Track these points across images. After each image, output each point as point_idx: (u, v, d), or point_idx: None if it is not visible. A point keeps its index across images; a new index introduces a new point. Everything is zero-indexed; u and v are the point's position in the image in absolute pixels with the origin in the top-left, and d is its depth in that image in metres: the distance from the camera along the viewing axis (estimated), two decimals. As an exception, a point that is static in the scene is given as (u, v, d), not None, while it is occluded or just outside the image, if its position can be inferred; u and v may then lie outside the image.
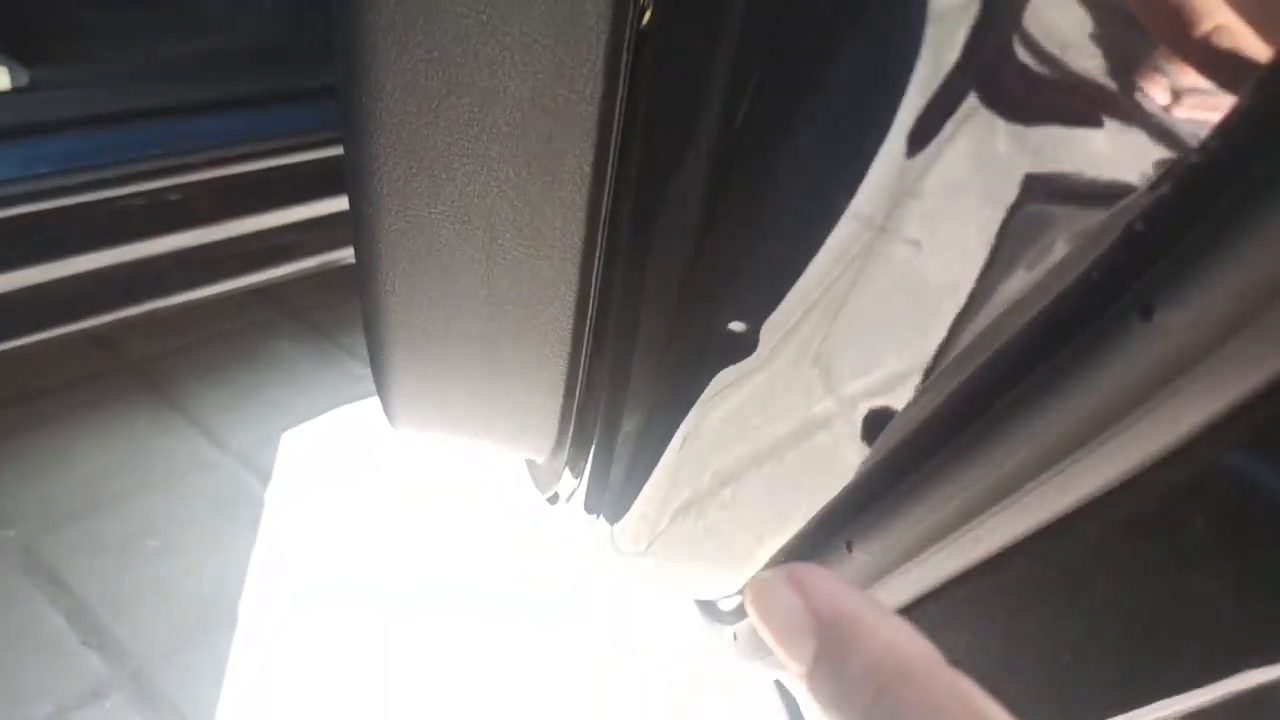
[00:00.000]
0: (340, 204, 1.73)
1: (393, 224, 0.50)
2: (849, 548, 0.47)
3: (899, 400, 0.46)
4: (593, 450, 0.66)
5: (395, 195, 0.49)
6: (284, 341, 2.11)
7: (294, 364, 2.05)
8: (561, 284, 0.52)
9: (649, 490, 0.65)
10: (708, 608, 0.74)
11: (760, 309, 0.51)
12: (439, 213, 0.49)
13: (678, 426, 0.61)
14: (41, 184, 1.42)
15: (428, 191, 0.48)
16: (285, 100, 1.72)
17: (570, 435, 0.66)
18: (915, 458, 0.45)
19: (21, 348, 1.51)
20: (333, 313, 2.22)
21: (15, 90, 1.47)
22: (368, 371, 1.91)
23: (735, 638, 0.63)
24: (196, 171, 1.55)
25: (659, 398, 0.60)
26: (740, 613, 0.63)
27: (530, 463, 0.80)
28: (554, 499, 0.75)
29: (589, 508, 0.72)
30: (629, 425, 0.64)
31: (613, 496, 0.70)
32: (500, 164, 0.47)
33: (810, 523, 0.49)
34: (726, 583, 0.65)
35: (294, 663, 1.43)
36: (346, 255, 1.79)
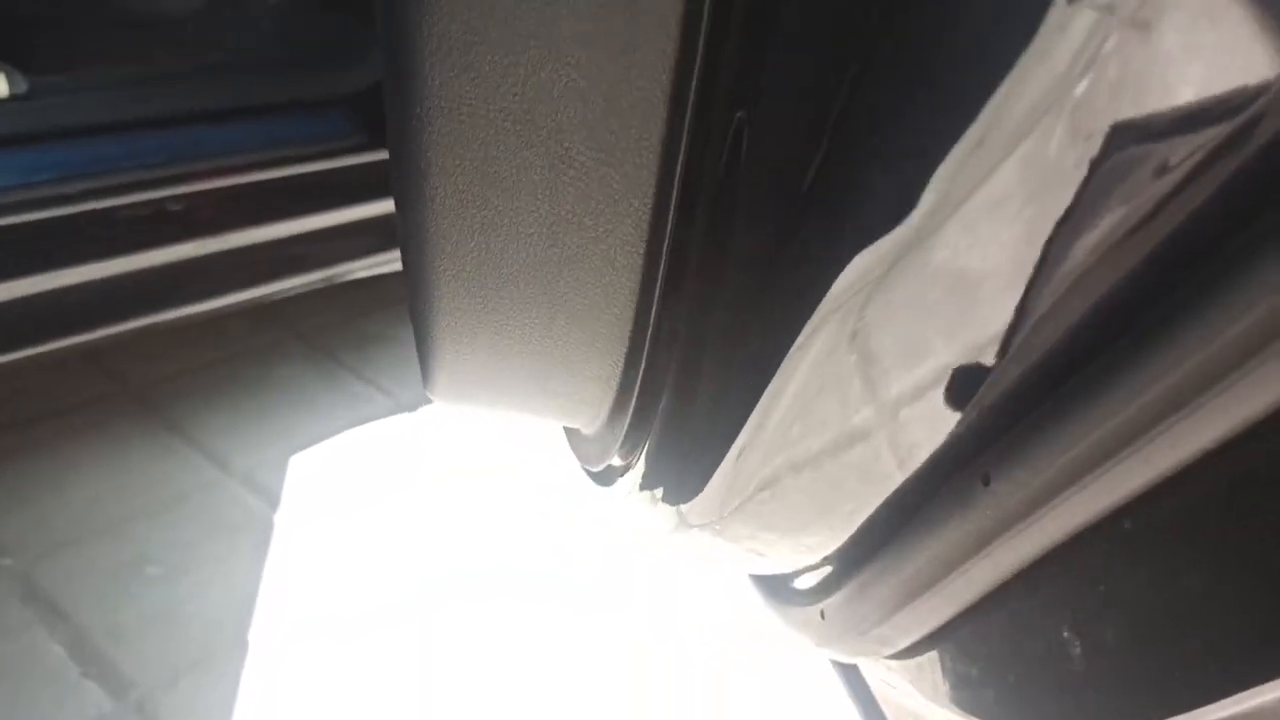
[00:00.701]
0: (347, 216, 1.67)
1: (442, 126, 0.44)
2: (986, 481, 0.40)
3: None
4: (662, 409, 0.59)
5: (446, 87, 0.42)
6: (289, 364, 2.05)
7: (300, 386, 1.99)
8: (635, 198, 0.45)
9: (733, 456, 0.58)
10: (777, 587, 0.66)
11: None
12: (497, 110, 0.43)
13: (773, 381, 0.54)
14: (39, 193, 1.36)
15: (486, 82, 0.42)
16: (288, 111, 1.68)
17: (636, 392, 0.59)
18: (1066, 367, 0.38)
19: (19, 371, 1.44)
20: (339, 334, 2.15)
21: (13, 98, 1.42)
22: (376, 393, 1.83)
23: (823, 616, 0.56)
24: (198, 181, 1.50)
25: (751, 350, 0.54)
26: (827, 588, 0.56)
27: (573, 435, 0.73)
28: (605, 475, 0.68)
29: (649, 482, 0.65)
30: (710, 381, 0.57)
31: (682, 466, 0.63)
32: (571, 46, 0.41)
33: (937, 454, 0.43)
34: (807, 556, 0.59)
35: (303, 691, 1.35)
36: (352, 268, 1.73)
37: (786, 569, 0.63)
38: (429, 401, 1.92)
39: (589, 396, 0.61)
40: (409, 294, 0.55)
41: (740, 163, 0.46)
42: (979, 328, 0.40)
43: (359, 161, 1.68)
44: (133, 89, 1.57)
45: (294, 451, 1.81)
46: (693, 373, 0.58)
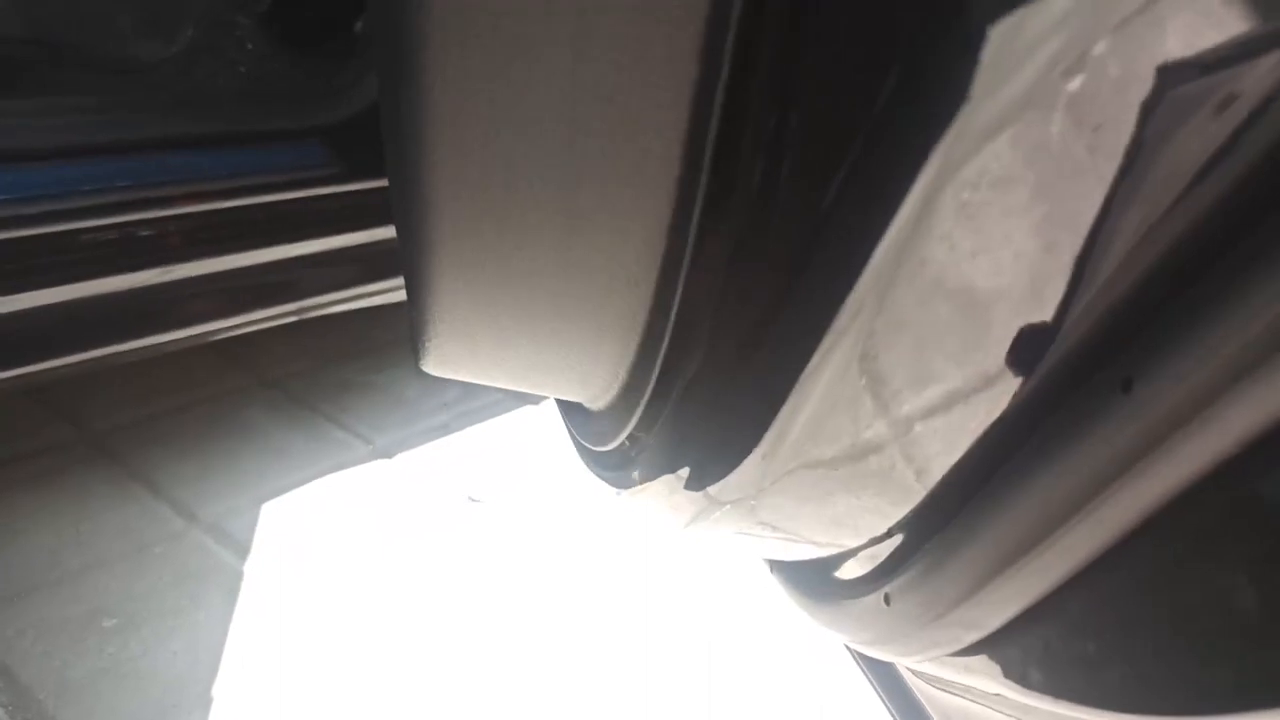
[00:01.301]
0: (321, 245, 1.59)
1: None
2: (1125, 387, 0.33)
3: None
4: (694, 371, 0.51)
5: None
6: (258, 410, 1.95)
7: (270, 433, 1.89)
8: (681, 62, 0.37)
9: (779, 426, 0.50)
10: (815, 580, 0.58)
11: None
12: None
13: (824, 341, 0.46)
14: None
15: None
16: (262, 140, 1.61)
17: (665, 346, 0.51)
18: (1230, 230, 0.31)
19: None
20: (311, 380, 2.06)
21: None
22: (353, 439, 1.73)
23: (888, 601, 0.47)
24: (169, 207, 1.42)
25: (810, 292, 0.46)
26: (890, 568, 0.48)
27: (575, 415, 0.65)
28: (615, 456, 0.60)
29: (672, 460, 0.56)
30: (753, 336, 0.49)
31: (715, 438, 0.55)
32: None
33: (1055, 363, 0.35)
34: (862, 531, 0.50)
35: (273, 750, 1.23)
36: (326, 302, 1.64)
37: (830, 551, 0.54)
38: (409, 446, 1.83)
39: (607, 351, 0.53)
40: (399, 226, 0.47)
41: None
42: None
43: (335, 191, 1.61)
44: (98, 115, 1.50)
45: (265, 499, 1.71)
46: (735, 323, 0.50)
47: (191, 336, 1.46)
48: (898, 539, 0.47)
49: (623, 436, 0.58)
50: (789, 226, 0.48)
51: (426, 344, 0.55)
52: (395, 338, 2.25)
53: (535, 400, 2.06)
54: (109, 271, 1.34)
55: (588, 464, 0.65)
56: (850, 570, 0.53)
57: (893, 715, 0.68)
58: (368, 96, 1.70)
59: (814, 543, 0.55)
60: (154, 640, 1.40)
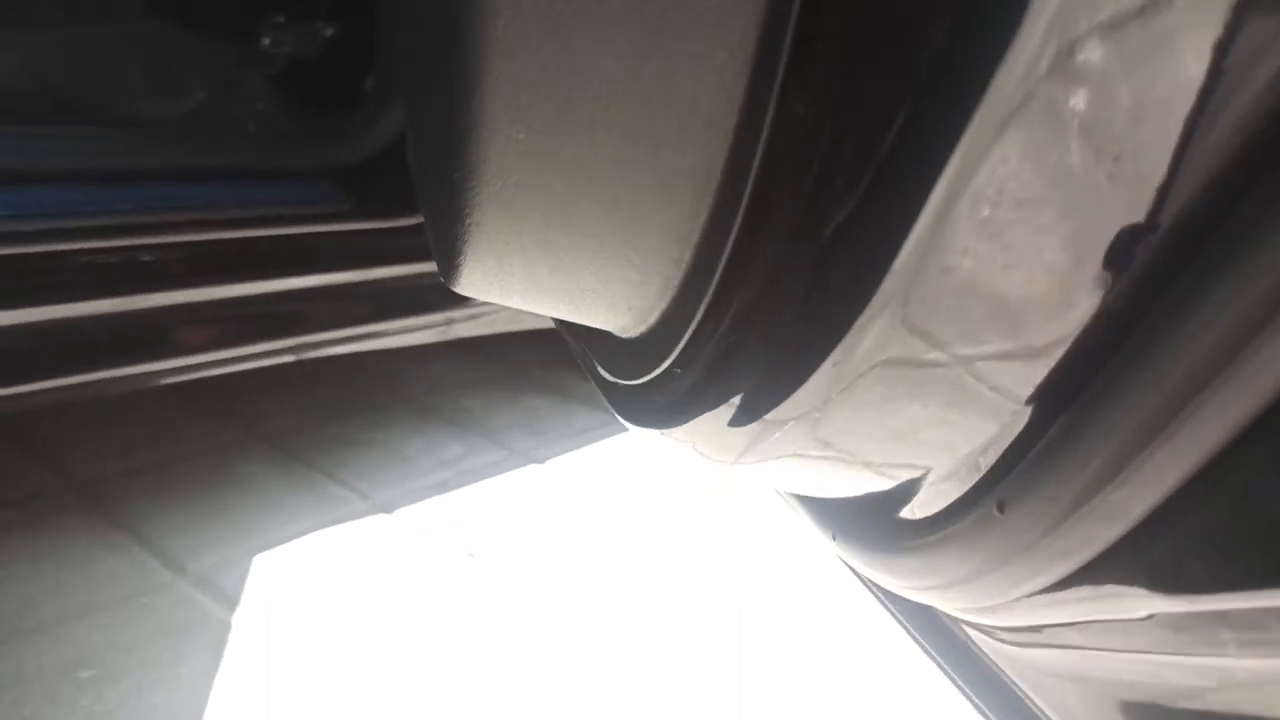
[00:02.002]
0: (324, 280, 1.55)
1: None
2: None
3: None
4: (766, 272, 0.45)
5: None
6: (253, 464, 1.88)
7: (264, 486, 1.81)
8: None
9: (862, 324, 0.45)
10: (883, 521, 0.52)
11: None
12: None
13: (924, 218, 0.41)
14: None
15: None
16: (271, 176, 1.58)
17: (729, 248, 0.46)
18: None
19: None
20: (308, 436, 1.99)
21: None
22: (350, 494, 1.67)
23: (1002, 509, 0.41)
24: (172, 233, 1.38)
25: (900, 176, 0.41)
26: (1002, 472, 0.41)
27: (603, 348, 0.59)
28: (659, 387, 0.54)
29: (724, 387, 0.51)
30: (838, 230, 0.44)
31: (774, 358, 0.49)
32: None
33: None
34: (958, 445, 0.44)
35: (258, 805, 1.13)
36: (326, 340, 1.59)
37: (905, 475, 0.48)
38: (408, 502, 1.76)
39: (661, 257, 0.47)
40: (419, 140, 0.43)
41: None
42: None
43: (343, 229, 1.58)
44: (105, 143, 1.47)
45: (256, 552, 1.63)
46: (814, 217, 0.45)
47: (190, 366, 1.40)
48: (1006, 438, 0.41)
49: (667, 363, 0.52)
50: (879, 101, 0.44)
51: (458, 259, 0.50)
52: (395, 396, 2.19)
53: (540, 459, 2.00)
54: (107, 294, 1.29)
55: (618, 404, 0.60)
56: (925, 504, 0.47)
57: (961, 688, 0.61)
58: (377, 142, 1.68)
59: (878, 463, 0.49)
60: (133, 693, 1.30)
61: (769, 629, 1.55)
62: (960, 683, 0.61)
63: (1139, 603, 0.37)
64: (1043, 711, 0.52)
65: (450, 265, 0.49)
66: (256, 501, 1.76)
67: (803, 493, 0.59)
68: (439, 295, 1.71)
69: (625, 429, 1.82)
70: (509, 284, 0.48)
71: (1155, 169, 0.36)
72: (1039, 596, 0.43)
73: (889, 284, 0.45)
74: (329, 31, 2.22)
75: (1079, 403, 0.37)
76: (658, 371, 0.53)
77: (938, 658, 0.62)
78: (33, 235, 1.24)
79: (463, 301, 1.75)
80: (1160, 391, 0.34)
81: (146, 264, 1.35)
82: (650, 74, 0.41)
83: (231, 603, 1.49)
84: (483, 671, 1.40)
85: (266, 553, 1.62)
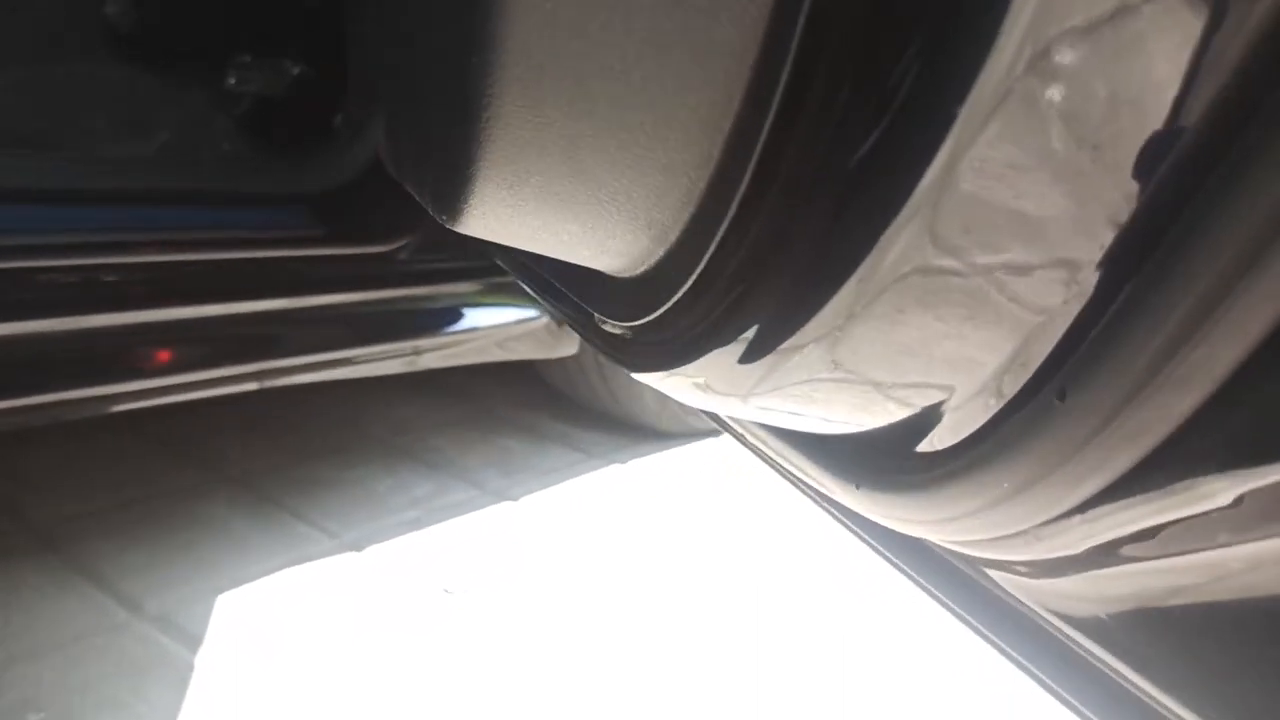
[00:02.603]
0: (294, 304, 1.51)
1: None
2: None
3: None
4: (789, 189, 0.43)
5: None
6: (218, 505, 1.81)
7: (229, 525, 1.74)
8: None
9: (890, 236, 0.42)
10: (903, 455, 0.49)
11: None
12: None
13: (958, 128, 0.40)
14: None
15: None
16: (243, 201, 1.55)
17: (755, 160, 0.43)
18: None
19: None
20: (275, 476, 1.93)
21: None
22: (318, 533, 1.61)
23: (1064, 397, 0.38)
24: (138, 254, 1.34)
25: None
26: (1058, 360, 0.39)
27: (598, 291, 0.56)
28: (666, 324, 0.51)
29: (740, 318, 0.48)
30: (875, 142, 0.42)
31: (794, 286, 0.47)
32: None
33: None
34: (992, 351, 0.41)
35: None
36: (290, 366, 1.54)
37: (937, 394, 0.45)
38: (379, 540, 1.70)
39: (678, 177, 0.45)
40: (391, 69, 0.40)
41: None
42: None
43: (310, 254, 1.54)
44: (69, 166, 1.43)
45: (220, 591, 1.55)
46: (846, 132, 0.43)
47: (151, 390, 1.35)
48: (1059, 326, 0.38)
49: (676, 298, 0.49)
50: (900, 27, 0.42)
51: (456, 203, 0.47)
52: (364, 437, 2.13)
53: (513, 496, 1.95)
54: (67, 313, 1.24)
55: (615, 351, 0.57)
56: (964, 421, 0.44)
57: (989, 638, 0.57)
58: (347, 170, 1.65)
59: (907, 382, 0.46)
60: (86, 734, 1.22)
61: (758, 672, 1.50)
62: (982, 629, 0.58)
63: (1224, 484, 0.34)
64: (1076, 643, 0.49)
65: (456, 188, 0.46)
66: (220, 540, 1.69)
67: (817, 428, 0.56)
68: (407, 323, 1.68)
69: (599, 466, 1.78)
70: (521, 200, 0.45)
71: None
72: (1095, 509, 0.40)
73: (919, 195, 0.43)
74: (297, 70, 2.21)
75: (1148, 265, 0.34)
76: (672, 302, 0.50)
77: (956, 608, 0.59)
78: (-9, 251, 1.20)
79: (431, 330, 1.72)
80: (1240, 236, 0.31)
81: (108, 284, 1.31)
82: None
83: (194, 641, 1.42)
84: (461, 708, 1.34)
85: (231, 591, 1.55)
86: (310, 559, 1.66)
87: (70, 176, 1.40)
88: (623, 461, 2.13)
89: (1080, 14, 0.36)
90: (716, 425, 0.82)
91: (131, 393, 1.36)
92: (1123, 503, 0.38)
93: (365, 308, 1.60)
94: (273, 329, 1.49)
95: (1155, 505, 0.37)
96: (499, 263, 1.07)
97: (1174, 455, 0.35)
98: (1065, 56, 0.39)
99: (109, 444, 1.93)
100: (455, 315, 1.72)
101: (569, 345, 1.91)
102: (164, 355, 1.37)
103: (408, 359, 1.68)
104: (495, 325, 1.76)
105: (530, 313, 1.80)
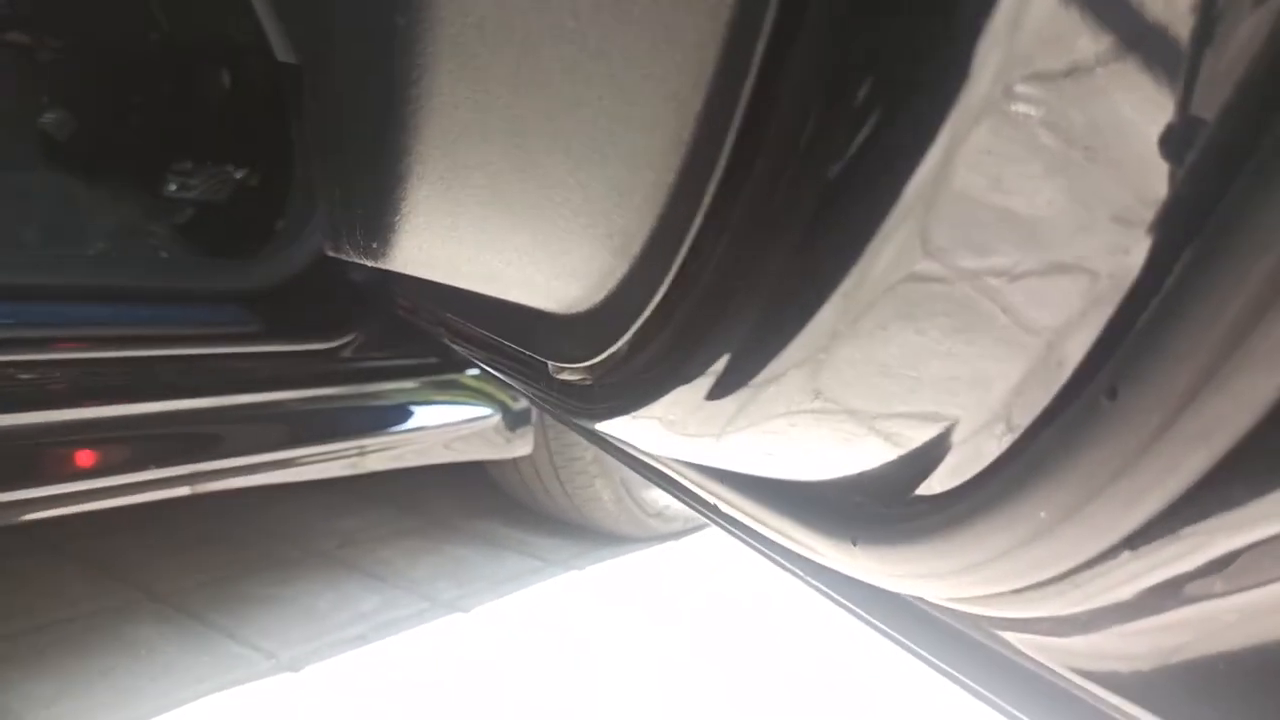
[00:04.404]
0: (225, 402, 1.42)
1: None
2: None
3: None
4: (761, 197, 0.37)
5: None
6: (142, 626, 1.67)
7: (155, 648, 1.61)
8: None
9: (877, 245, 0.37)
10: (903, 499, 0.42)
11: None
12: None
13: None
14: None
15: None
16: (177, 298, 1.47)
17: (718, 175, 0.38)
18: None
19: None
20: (205, 594, 1.80)
21: None
22: (253, 653, 1.50)
23: (1114, 394, 0.31)
24: (59, 350, 1.25)
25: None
26: (1102, 355, 0.32)
27: (552, 332, 0.50)
28: (622, 364, 0.45)
29: (705, 354, 0.41)
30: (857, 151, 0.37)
31: (771, 298, 0.40)
32: None
33: None
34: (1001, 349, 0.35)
35: None
36: (220, 470, 1.44)
37: (943, 420, 0.39)
38: (318, 659, 1.58)
39: (638, 198, 0.39)
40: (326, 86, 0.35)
41: None
42: None
43: (249, 350, 1.46)
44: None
45: (144, 718, 1.42)
46: (825, 135, 0.38)
47: (71, 495, 1.24)
48: (1098, 321, 0.32)
49: (636, 328, 0.43)
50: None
51: (389, 220, 0.41)
52: (305, 551, 2.01)
53: (465, 608, 1.84)
54: (-25, 412, 1.15)
55: (573, 402, 0.50)
56: (965, 460, 0.38)
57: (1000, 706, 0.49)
58: (287, 269, 1.59)
59: (899, 411, 0.40)
60: None
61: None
62: (991, 697, 0.50)
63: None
64: (1111, 706, 0.42)
65: (374, 236, 0.40)
66: (145, 664, 1.55)
67: (800, 472, 0.49)
68: (351, 422, 1.59)
69: (557, 573, 1.69)
70: (461, 201, 0.39)
71: None
72: (1153, 541, 0.34)
73: (912, 193, 0.37)
74: (239, 175, 2.17)
75: (1207, 230, 0.29)
76: (631, 333, 0.44)
77: (959, 675, 0.52)
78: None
79: (376, 429, 1.63)
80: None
81: (23, 382, 1.22)
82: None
83: (109, 777, 1.28)
84: (407, 838, 1.21)
85: (155, 719, 1.42)
86: (243, 681, 1.53)
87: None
88: (581, 568, 2.03)
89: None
90: (689, 504, 0.74)
91: (51, 498, 1.25)
92: (1191, 526, 0.31)
93: (307, 406, 1.51)
94: (208, 428, 1.39)
95: (1233, 524, 0.30)
96: (445, 340, 1.00)
97: (1259, 456, 0.29)
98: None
99: (24, 563, 1.79)
100: (402, 414, 1.64)
101: (522, 445, 1.83)
102: (88, 457, 1.27)
103: (351, 460, 1.59)
104: (444, 424, 1.68)
105: (480, 410, 1.72)
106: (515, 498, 2.17)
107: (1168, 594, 0.35)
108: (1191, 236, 0.29)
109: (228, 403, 1.39)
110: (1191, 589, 0.34)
